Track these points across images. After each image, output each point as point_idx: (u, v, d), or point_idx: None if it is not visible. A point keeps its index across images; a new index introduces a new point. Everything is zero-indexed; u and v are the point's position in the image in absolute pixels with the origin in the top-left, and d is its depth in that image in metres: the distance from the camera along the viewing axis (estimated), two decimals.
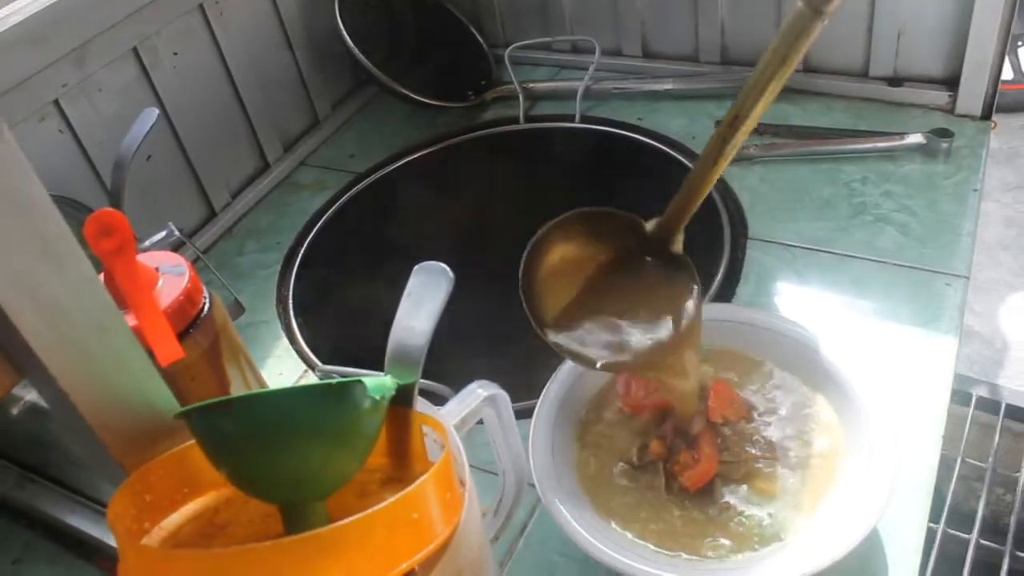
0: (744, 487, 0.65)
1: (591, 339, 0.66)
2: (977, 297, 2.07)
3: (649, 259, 0.68)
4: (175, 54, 1.00)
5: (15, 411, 0.73)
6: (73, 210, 0.84)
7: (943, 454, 0.69)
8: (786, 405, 0.70)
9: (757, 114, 0.58)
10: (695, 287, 0.66)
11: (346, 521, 0.36)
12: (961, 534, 1.34)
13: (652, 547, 0.62)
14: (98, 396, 0.41)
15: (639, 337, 0.66)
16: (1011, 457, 1.46)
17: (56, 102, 0.88)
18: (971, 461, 1.44)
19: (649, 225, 0.67)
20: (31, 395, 0.70)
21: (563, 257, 0.68)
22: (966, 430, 1.46)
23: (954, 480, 1.41)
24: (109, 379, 0.41)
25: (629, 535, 0.63)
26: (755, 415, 0.69)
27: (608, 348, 0.66)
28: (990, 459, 1.43)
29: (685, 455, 0.66)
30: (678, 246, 0.67)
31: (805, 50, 0.55)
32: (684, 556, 0.61)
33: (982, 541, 1.34)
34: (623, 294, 0.68)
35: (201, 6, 1.02)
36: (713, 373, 0.73)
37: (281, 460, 0.40)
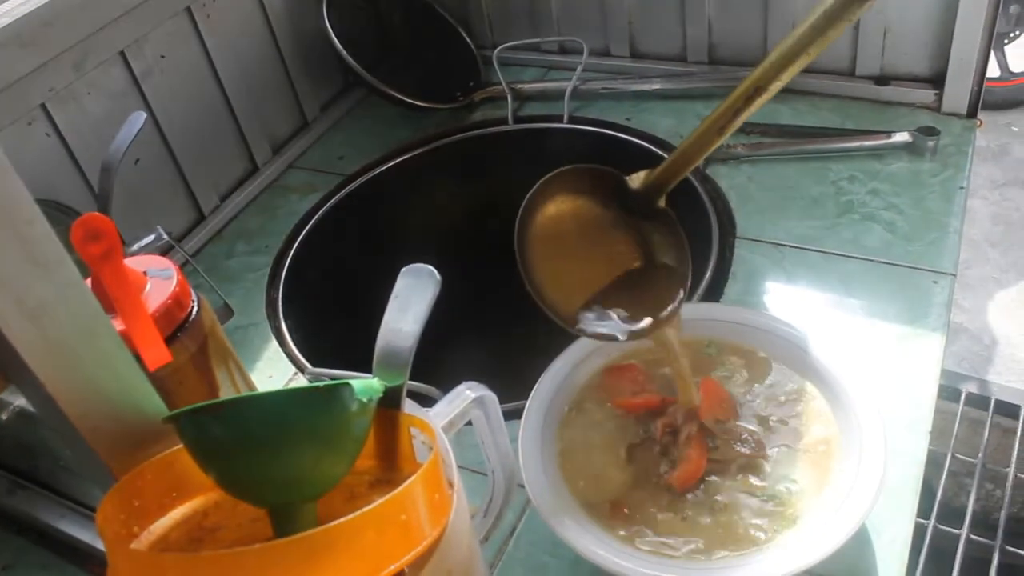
0: (733, 486, 0.65)
1: (598, 310, 0.68)
2: (965, 294, 2.09)
3: (634, 214, 0.71)
4: (162, 57, 1.00)
5: (4, 416, 0.73)
6: (61, 214, 0.84)
7: (933, 450, 0.69)
8: (776, 403, 0.70)
9: (775, 89, 0.59)
10: (683, 239, 0.69)
11: (335, 523, 0.36)
12: (951, 529, 1.35)
13: (641, 546, 0.62)
14: (86, 401, 0.41)
15: (638, 297, 0.69)
16: (1001, 452, 1.47)
17: (43, 106, 0.88)
18: (961, 457, 1.45)
19: (634, 182, 0.69)
20: (20, 400, 0.70)
21: (550, 217, 0.70)
22: (956, 426, 1.47)
23: (944, 476, 1.42)
24: (97, 384, 0.41)
25: (618, 535, 0.63)
26: (745, 413, 0.70)
27: (614, 317, 0.67)
28: (980, 455, 1.44)
29: (674, 454, 0.67)
30: (662, 203, 0.70)
31: (843, 31, 0.56)
32: (672, 555, 0.61)
33: (972, 536, 1.35)
34: (615, 253, 0.71)
35: (188, 9, 1.02)
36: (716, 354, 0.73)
37: (269, 463, 0.40)
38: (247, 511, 0.46)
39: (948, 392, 1.49)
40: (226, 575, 0.35)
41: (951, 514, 1.37)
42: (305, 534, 0.35)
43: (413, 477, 0.39)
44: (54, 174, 0.91)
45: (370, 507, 0.37)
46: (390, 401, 0.46)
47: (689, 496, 0.65)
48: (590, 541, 0.61)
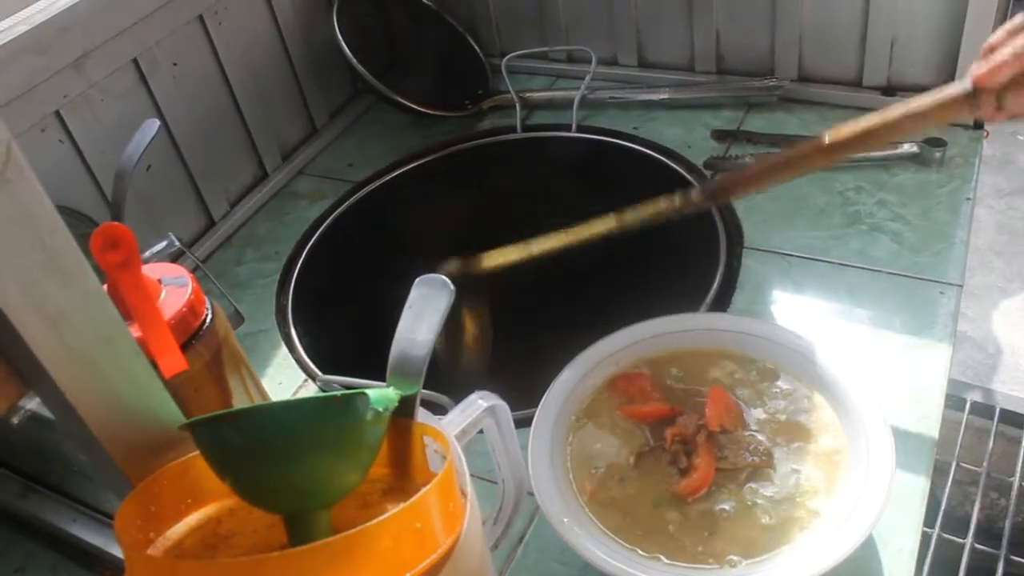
0: (741, 495, 0.66)
1: None
2: (970, 302, 2.08)
3: None
4: (175, 64, 1.01)
5: (16, 421, 0.74)
6: (74, 220, 0.84)
7: (938, 459, 0.70)
8: (784, 412, 0.70)
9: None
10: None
11: (354, 531, 0.36)
12: (956, 538, 1.35)
13: (646, 553, 0.63)
14: (104, 408, 0.41)
15: None
16: (1005, 461, 1.47)
17: (57, 112, 0.88)
18: (966, 466, 1.45)
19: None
20: (32, 404, 0.71)
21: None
22: (960, 435, 1.47)
23: (949, 485, 1.42)
24: (115, 391, 0.41)
25: (625, 541, 0.64)
26: (752, 422, 0.70)
27: None
28: (984, 463, 1.44)
29: (683, 463, 0.67)
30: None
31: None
32: (679, 563, 0.62)
33: (977, 545, 1.34)
34: None
35: (200, 17, 1.02)
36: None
37: (285, 471, 0.40)
38: (261, 517, 0.46)
39: (953, 401, 1.49)
40: None
41: (955, 523, 1.37)
42: (323, 541, 0.36)
43: (429, 486, 0.40)
44: (66, 180, 0.92)
45: (387, 515, 0.37)
46: (404, 410, 0.46)
47: (697, 504, 0.65)
48: (598, 548, 0.61)
